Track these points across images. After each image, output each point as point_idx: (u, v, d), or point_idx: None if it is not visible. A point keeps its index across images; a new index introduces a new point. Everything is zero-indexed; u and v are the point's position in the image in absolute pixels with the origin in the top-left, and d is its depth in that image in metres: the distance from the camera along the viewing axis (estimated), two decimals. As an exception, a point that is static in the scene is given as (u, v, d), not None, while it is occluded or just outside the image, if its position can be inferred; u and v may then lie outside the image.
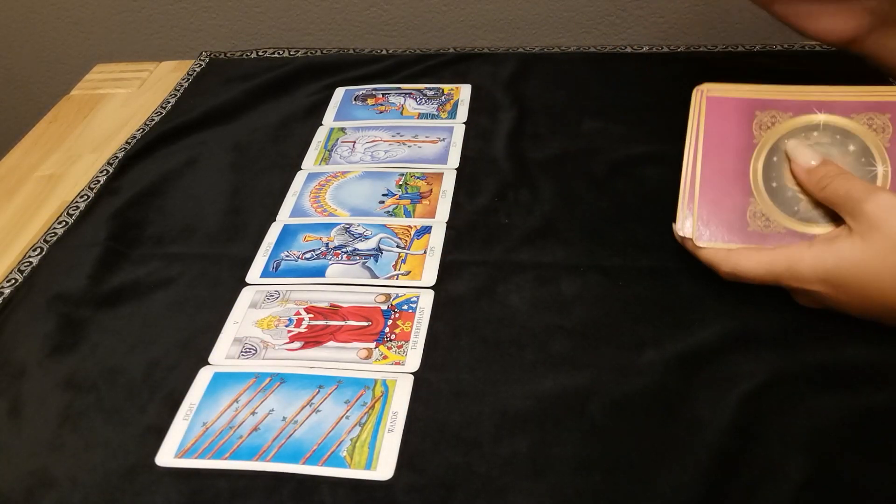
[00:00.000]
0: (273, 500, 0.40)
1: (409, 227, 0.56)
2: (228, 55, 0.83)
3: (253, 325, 0.49)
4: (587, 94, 0.70)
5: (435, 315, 0.49)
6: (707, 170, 0.49)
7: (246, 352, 0.48)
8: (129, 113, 0.75)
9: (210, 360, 0.48)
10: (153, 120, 0.72)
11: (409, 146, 0.65)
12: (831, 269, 0.43)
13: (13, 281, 0.55)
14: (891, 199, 0.42)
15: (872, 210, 0.42)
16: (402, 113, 0.70)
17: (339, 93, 0.73)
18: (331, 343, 0.48)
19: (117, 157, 0.67)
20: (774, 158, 0.48)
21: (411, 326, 0.48)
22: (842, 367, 0.44)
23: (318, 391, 0.45)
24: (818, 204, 0.47)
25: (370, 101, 0.72)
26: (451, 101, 0.71)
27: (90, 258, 0.55)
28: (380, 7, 0.93)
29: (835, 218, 0.46)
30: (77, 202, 0.62)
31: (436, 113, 0.69)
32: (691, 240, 0.48)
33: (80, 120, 0.75)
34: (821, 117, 0.48)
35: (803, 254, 0.44)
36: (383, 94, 0.72)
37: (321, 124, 0.69)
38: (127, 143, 0.69)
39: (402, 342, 0.47)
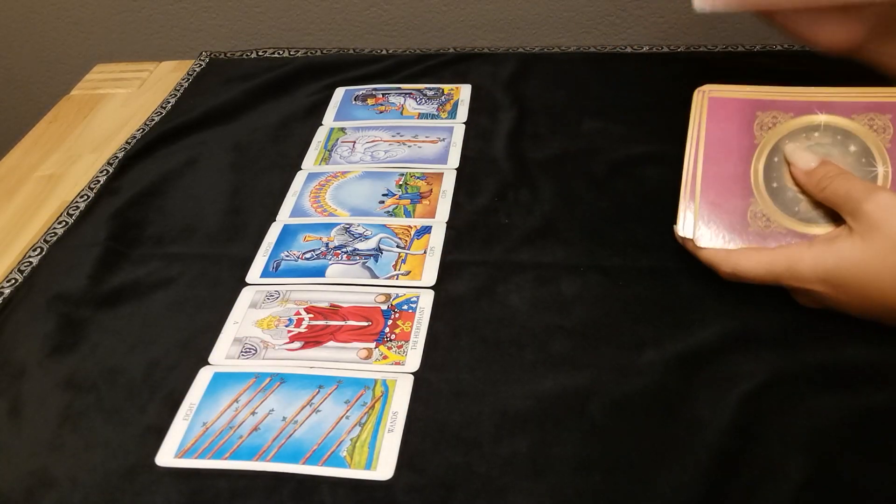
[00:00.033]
0: (273, 500, 0.40)
1: (409, 227, 0.56)
2: (228, 55, 0.83)
3: (253, 325, 0.49)
4: (587, 94, 0.70)
5: (435, 315, 0.49)
6: (708, 170, 0.49)
7: (246, 352, 0.48)
8: (129, 113, 0.75)
9: (210, 360, 0.48)
10: (153, 120, 0.72)
11: (409, 146, 0.65)
12: (831, 269, 0.43)
13: (13, 281, 0.55)
14: (891, 199, 0.42)
15: (872, 210, 0.42)
16: (402, 113, 0.70)
17: (339, 93, 0.73)
18: (331, 343, 0.48)
19: (117, 157, 0.67)
20: (775, 159, 0.48)
21: (411, 326, 0.48)
22: (842, 367, 0.44)
23: (318, 391, 0.45)
24: (818, 204, 0.47)
25: (370, 101, 0.72)
26: (451, 101, 0.71)
27: (90, 258, 0.55)
28: (380, 7, 0.93)
29: (835, 218, 0.46)
30: (77, 202, 0.62)
31: (436, 113, 0.69)
32: (692, 240, 0.48)
33: (80, 120, 0.75)
34: (822, 118, 0.48)
35: (803, 254, 0.44)
36: (383, 94, 0.72)
37: (321, 124, 0.69)
38: (127, 143, 0.69)
39: (402, 342, 0.47)
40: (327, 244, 0.55)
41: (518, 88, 0.72)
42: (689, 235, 0.48)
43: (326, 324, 0.49)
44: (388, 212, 0.58)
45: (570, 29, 0.92)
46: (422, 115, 0.69)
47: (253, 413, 0.44)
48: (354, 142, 0.66)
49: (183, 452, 0.42)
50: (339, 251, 0.55)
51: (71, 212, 0.61)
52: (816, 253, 0.44)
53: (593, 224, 0.55)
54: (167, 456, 0.42)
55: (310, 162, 0.65)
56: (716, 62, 0.74)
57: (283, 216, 0.59)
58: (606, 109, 0.68)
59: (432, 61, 0.77)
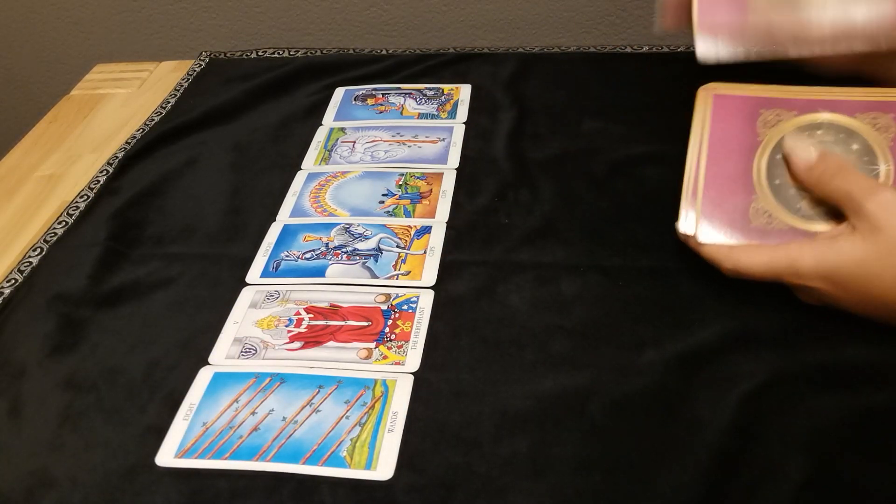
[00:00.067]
0: (273, 500, 0.40)
1: (409, 227, 0.56)
2: (228, 55, 0.83)
3: (253, 325, 0.49)
4: (587, 94, 0.70)
5: (435, 315, 0.49)
6: (711, 167, 0.49)
7: (246, 352, 0.48)
8: (129, 113, 0.75)
9: (210, 360, 0.48)
10: (153, 120, 0.72)
11: (409, 146, 0.65)
12: (832, 267, 0.43)
13: (13, 281, 0.55)
14: (893, 198, 0.42)
15: (875, 210, 0.42)
16: (402, 113, 0.70)
17: (339, 93, 0.73)
18: (331, 343, 0.48)
19: (117, 157, 0.67)
20: (778, 156, 0.48)
21: (411, 326, 0.48)
22: (842, 367, 0.44)
23: (318, 391, 0.45)
24: (820, 202, 0.46)
25: (370, 101, 0.72)
26: (451, 101, 0.71)
27: (90, 258, 0.55)
28: (380, 7, 0.93)
29: (837, 216, 0.46)
30: (77, 202, 0.62)
31: (436, 113, 0.69)
32: (693, 237, 0.48)
33: (80, 120, 0.75)
34: (825, 116, 0.48)
35: (804, 251, 0.44)
36: (383, 94, 0.72)
37: (321, 124, 0.69)
38: (127, 143, 0.69)
39: (402, 342, 0.47)
40: (327, 244, 0.55)
41: (518, 88, 0.72)
42: (690, 232, 0.48)
43: (326, 324, 0.49)
44: (388, 212, 0.58)
45: (570, 29, 0.92)
46: (422, 115, 0.69)
47: (253, 413, 0.44)
48: (354, 142, 0.66)
49: (183, 452, 0.42)
50: (339, 251, 0.55)
51: (71, 212, 0.61)
52: (818, 250, 0.44)
53: (593, 224, 0.55)
54: (167, 456, 0.42)
55: (310, 162, 0.65)
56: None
57: (283, 216, 0.59)
58: (606, 109, 0.68)
59: (432, 61, 0.77)
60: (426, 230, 0.56)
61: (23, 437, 0.44)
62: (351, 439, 0.42)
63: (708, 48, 0.51)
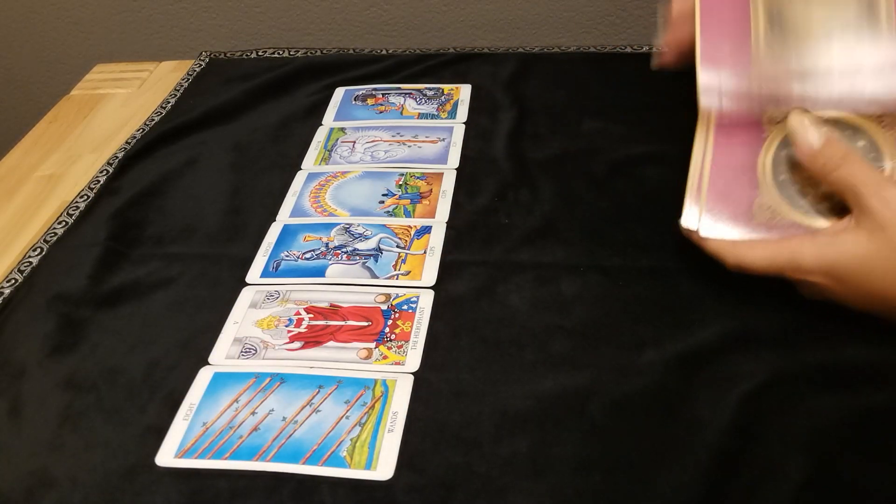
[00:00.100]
0: (273, 500, 0.40)
1: (409, 227, 0.56)
2: (228, 55, 0.83)
3: (253, 325, 0.49)
4: (587, 94, 0.70)
5: (435, 315, 0.49)
6: (716, 163, 0.49)
7: (246, 352, 0.48)
8: (129, 113, 0.75)
9: (210, 360, 0.48)
10: (153, 120, 0.72)
11: (409, 146, 0.65)
12: (834, 263, 0.43)
13: (13, 281, 0.55)
14: None
15: (879, 207, 0.42)
16: (402, 113, 0.70)
17: (339, 93, 0.73)
18: (331, 343, 0.48)
19: (117, 157, 0.67)
20: (783, 152, 0.48)
21: (411, 326, 0.48)
22: (842, 367, 0.44)
23: (318, 391, 0.45)
24: (824, 198, 0.46)
25: (370, 101, 0.72)
26: (451, 101, 0.71)
27: (90, 258, 0.55)
28: (380, 7, 0.93)
29: (840, 213, 0.45)
30: (77, 202, 0.62)
31: (436, 113, 0.69)
32: (696, 232, 0.48)
33: (80, 120, 0.75)
34: (831, 113, 0.48)
35: (806, 246, 0.44)
36: (383, 94, 0.72)
37: (321, 124, 0.69)
38: (127, 143, 0.69)
39: (402, 342, 0.47)
40: (327, 244, 0.55)
41: (518, 88, 0.72)
42: (693, 227, 0.48)
43: (326, 324, 0.49)
44: (388, 212, 0.58)
45: (570, 29, 0.92)
46: (422, 115, 0.69)
47: (253, 413, 0.44)
48: (354, 142, 0.66)
49: (183, 452, 0.42)
50: (339, 251, 0.55)
51: (71, 212, 0.61)
52: (820, 245, 0.44)
53: (593, 224, 0.55)
54: (167, 456, 0.42)
55: (310, 162, 0.65)
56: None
57: (283, 216, 0.59)
58: (606, 109, 0.68)
59: (432, 61, 0.77)
60: (426, 230, 0.56)
61: (23, 437, 0.44)
62: (351, 439, 0.42)
63: (711, 97, 0.51)
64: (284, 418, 0.43)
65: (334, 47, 0.83)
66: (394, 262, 0.53)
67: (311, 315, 0.50)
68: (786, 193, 0.47)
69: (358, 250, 0.55)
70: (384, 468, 0.40)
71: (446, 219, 0.57)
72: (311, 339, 0.48)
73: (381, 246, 0.55)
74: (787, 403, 0.42)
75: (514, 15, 0.92)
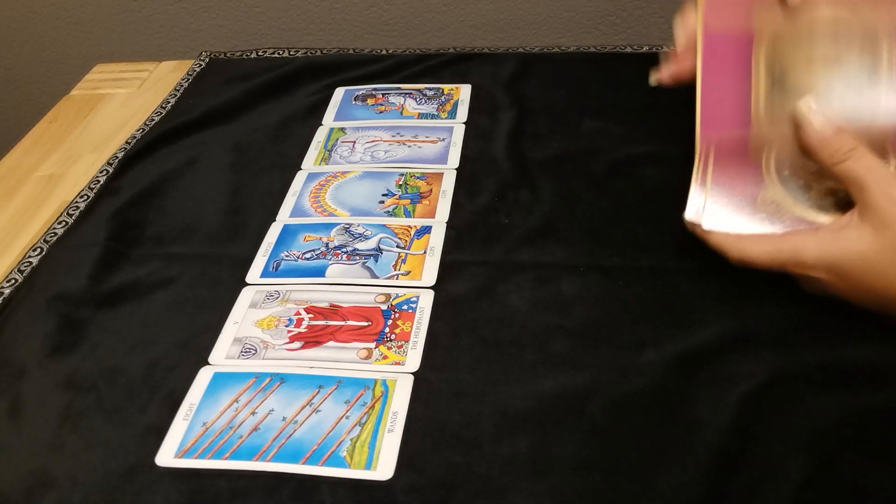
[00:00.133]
0: (273, 500, 0.40)
1: (409, 227, 0.56)
2: (228, 55, 0.83)
3: (253, 325, 0.49)
4: (587, 94, 0.70)
5: (435, 315, 0.49)
6: (720, 155, 0.49)
7: (246, 352, 0.48)
8: (129, 113, 0.75)
9: (210, 360, 0.48)
10: (153, 120, 0.72)
11: (409, 146, 0.65)
12: (837, 259, 0.43)
13: (13, 281, 0.55)
14: None
15: (884, 204, 0.42)
16: (402, 113, 0.70)
17: (339, 93, 0.73)
18: (331, 343, 0.48)
19: (117, 157, 0.67)
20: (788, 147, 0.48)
21: (411, 326, 0.48)
22: (842, 367, 0.44)
23: (318, 391, 0.45)
24: (828, 193, 0.46)
25: (370, 101, 0.72)
26: (451, 101, 0.71)
27: (90, 258, 0.55)
28: (380, 7, 0.93)
29: (843, 208, 0.45)
30: (77, 202, 0.62)
31: (436, 113, 0.69)
32: (700, 225, 0.48)
33: (80, 120, 0.75)
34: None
35: (809, 241, 0.44)
36: (383, 94, 0.72)
37: (321, 124, 0.69)
38: (127, 143, 0.69)
39: (402, 342, 0.47)
40: (327, 244, 0.55)
41: (518, 88, 0.72)
42: (696, 220, 0.48)
43: (326, 324, 0.49)
44: (388, 212, 0.58)
45: (570, 29, 0.92)
46: (422, 115, 0.69)
47: (253, 413, 0.44)
48: (354, 142, 0.66)
49: (183, 452, 0.42)
50: (339, 251, 0.55)
51: (71, 212, 0.61)
52: (823, 241, 0.44)
53: (593, 224, 0.55)
54: (167, 456, 0.42)
55: (310, 162, 0.65)
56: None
57: (283, 216, 0.59)
58: (606, 109, 0.68)
59: (432, 61, 0.77)
60: (426, 230, 0.56)
61: (23, 437, 0.44)
62: (351, 439, 0.42)
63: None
64: (284, 418, 0.43)
65: (334, 47, 0.83)
66: (394, 262, 0.53)
67: (311, 315, 0.50)
68: (790, 187, 0.47)
69: (358, 250, 0.55)
70: (384, 468, 0.40)
71: (446, 219, 0.57)
72: (311, 339, 0.48)
73: (381, 246, 0.55)
74: (787, 403, 0.42)
75: (514, 15, 0.92)
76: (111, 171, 0.65)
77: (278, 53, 0.82)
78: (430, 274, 0.52)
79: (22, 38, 1.01)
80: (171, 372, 0.47)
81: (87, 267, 0.55)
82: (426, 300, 0.50)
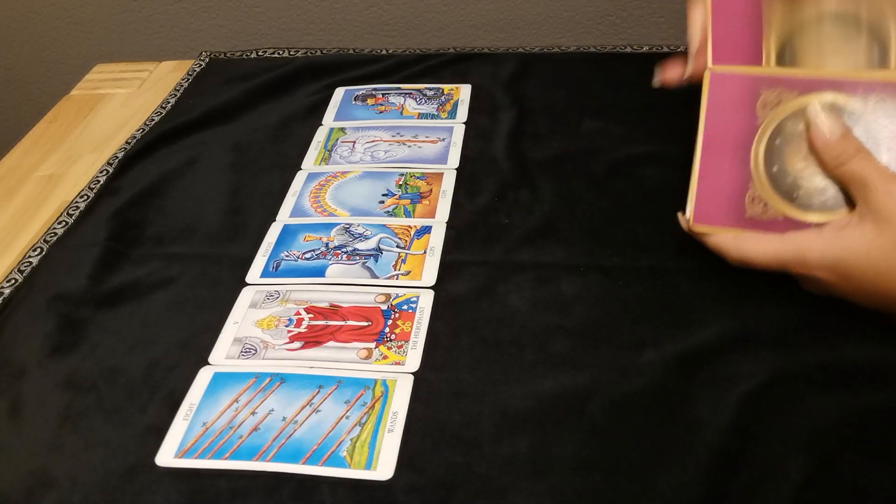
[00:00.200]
0: (273, 500, 0.40)
1: (409, 227, 0.56)
2: (228, 55, 0.83)
3: (253, 325, 0.49)
4: (587, 94, 0.70)
5: (435, 315, 0.49)
6: (707, 153, 0.48)
7: (246, 352, 0.48)
8: (129, 113, 0.75)
9: (210, 360, 0.48)
10: (153, 120, 0.72)
11: (409, 146, 0.65)
12: (839, 258, 0.43)
13: (13, 281, 0.55)
14: None
15: (887, 202, 0.42)
16: (402, 113, 0.70)
17: (339, 93, 0.73)
18: (331, 343, 0.48)
19: (117, 157, 0.67)
20: (777, 142, 0.47)
21: (411, 326, 0.48)
22: (842, 367, 0.44)
23: (318, 391, 0.45)
24: (818, 191, 0.46)
25: (370, 101, 0.72)
26: (451, 101, 0.71)
27: (90, 258, 0.55)
28: (380, 7, 0.93)
29: (833, 206, 0.45)
30: (77, 202, 0.62)
31: (436, 113, 0.69)
32: (689, 221, 0.48)
33: (80, 120, 0.75)
34: (828, 97, 0.47)
35: (811, 241, 0.44)
36: (383, 94, 0.72)
37: (321, 124, 0.69)
38: (127, 143, 0.69)
39: (402, 342, 0.47)
40: (327, 244, 0.55)
41: (518, 88, 0.72)
42: (686, 218, 0.48)
43: (326, 324, 0.49)
44: (388, 212, 0.58)
45: (570, 29, 0.92)
46: (422, 115, 0.69)
47: (253, 413, 0.44)
48: (354, 142, 0.66)
49: (183, 452, 0.42)
50: (339, 251, 0.55)
51: (71, 212, 0.61)
52: (825, 241, 0.44)
53: (593, 224, 0.55)
54: (167, 456, 0.42)
55: (310, 162, 0.65)
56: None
57: (283, 216, 0.59)
58: (606, 109, 0.68)
59: (432, 61, 0.77)
60: (426, 230, 0.56)
61: (23, 437, 0.44)
62: (351, 439, 0.42)
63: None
64: (284, 418, 0.43)
65: (334, 47, 0.83)
66: (394, 262, 0.53)
67: (311, 315, 0.50)
68: (779, 186, 0.47)
69: (358, 250, 0.55)
70: (384, 468, 0.40)
71: (446, 219, 0.57)
72: (311, 339, 0.48)
73: (381, 246, 0.55)
74: (787, 403, 0.42)
75: (514, 15, 0.92)
76: (111, 171, 0.65)
77: (278, 53, 0.82)
78: (430, 274, 0.52)
79: (22, 38, 1.01)
80: (171, 372, 0.47)
81: (87, 267, 0.55)
82: (426, 300, 0.50)
